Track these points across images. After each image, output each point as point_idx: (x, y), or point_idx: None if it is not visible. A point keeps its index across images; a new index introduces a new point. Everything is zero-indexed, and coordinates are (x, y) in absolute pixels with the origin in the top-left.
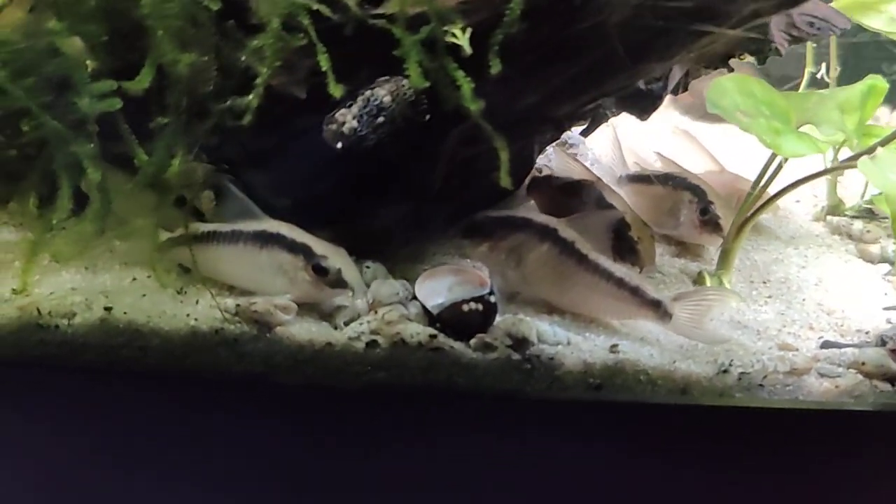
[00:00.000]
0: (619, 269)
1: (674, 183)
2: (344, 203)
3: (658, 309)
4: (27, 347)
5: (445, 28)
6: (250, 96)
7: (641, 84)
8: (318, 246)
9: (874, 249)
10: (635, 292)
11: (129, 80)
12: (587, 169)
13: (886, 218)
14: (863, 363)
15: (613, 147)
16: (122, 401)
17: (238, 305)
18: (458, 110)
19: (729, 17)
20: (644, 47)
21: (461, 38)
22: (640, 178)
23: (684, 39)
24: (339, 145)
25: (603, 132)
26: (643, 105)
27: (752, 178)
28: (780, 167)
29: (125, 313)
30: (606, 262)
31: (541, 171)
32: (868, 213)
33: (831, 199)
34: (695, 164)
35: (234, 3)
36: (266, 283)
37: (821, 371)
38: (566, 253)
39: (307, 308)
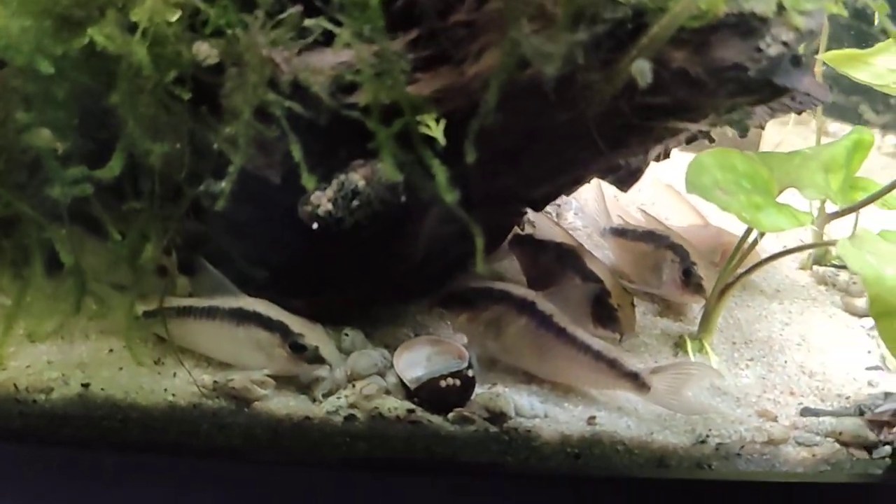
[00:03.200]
0: (597, 342)
1: (657, 241)
2: (322, 275)
3: (636, 380)
4: (8, 420)
5: (418, 119)
6: (223, 183)
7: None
8: (295, 324)
9: (859, 303)
10: (613, 364)
11: (98, 159)
12: (568, 234)
13: None
14: (840, 433)
15: (597, 199)
16: (101, 472)
17: (216, 382)
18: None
19: (706, 111)
20: (622, 137)
21: (435, 129)
22: (624, 233)
23: (662, 131)
24: (315, 225)
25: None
26: (622, 177)
27: (736, 230)
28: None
29: (102, 389)
30: (584, 336)
31: (523, 228)
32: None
33: (818, 248)
34: (678, 218)
35: (205, 88)
36: (243, 358)
37: (798, 440)
38: (545, 326)
39: (285, 379)
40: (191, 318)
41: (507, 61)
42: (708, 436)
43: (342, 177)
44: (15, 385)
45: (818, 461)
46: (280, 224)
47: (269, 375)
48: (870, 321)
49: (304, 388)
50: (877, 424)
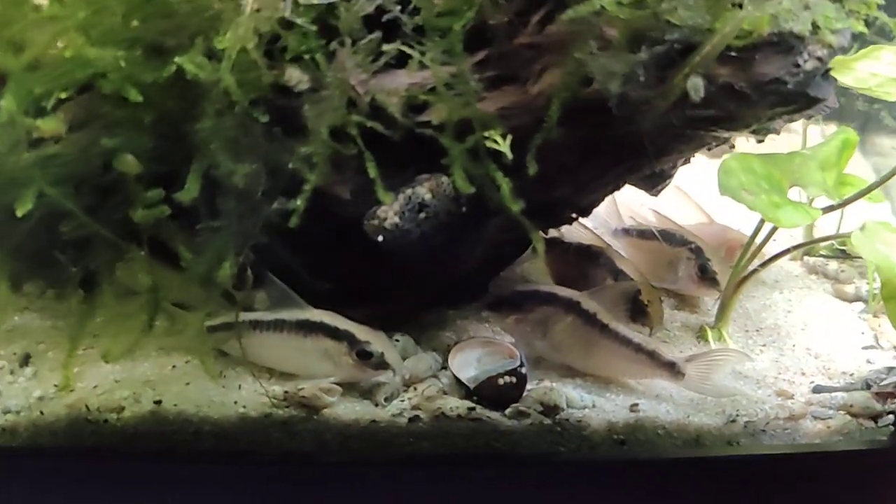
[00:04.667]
0: (637, 336)
1: (672, 240)
2: (382, 285)
3: (673, 369)
4: (80, 439)
5: (486, 135)
6: (297, 201)
7: None
8: (360, 332)
9: (849, 289)
10: (652, 356)
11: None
12: (596, 235)
13: (858, 258)
14: (851, 406)
15: (609, 200)
16: (178, 484)
17: (286, 392)
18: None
19: (748, 120)
20: (666, 146)
21: (502, 144)
22: (638, 233)
23: (702, 139)
24: (381, 238)
25: None
26: (653, 182)
27: (738, 227)
28: (773, 230)
29: (175, 405)
30: (626, 330)
31: (546, 233)
32: (841, 254)
33: (807, 239)
34: (685, 217)
35: (281, 110)
36: (311, 368)
37: (814, 414)
38: (590, 324)
39: (347, 386)
40: (258, 331)
41: (569, 80)
42: (737, 416)
43: (409, 190)
44: (87, 406)
45: (832, 432)
46: (344, 237)
47: (335, 383)
48: (859, 305)
49: (367, 393)
50: (882, 396)
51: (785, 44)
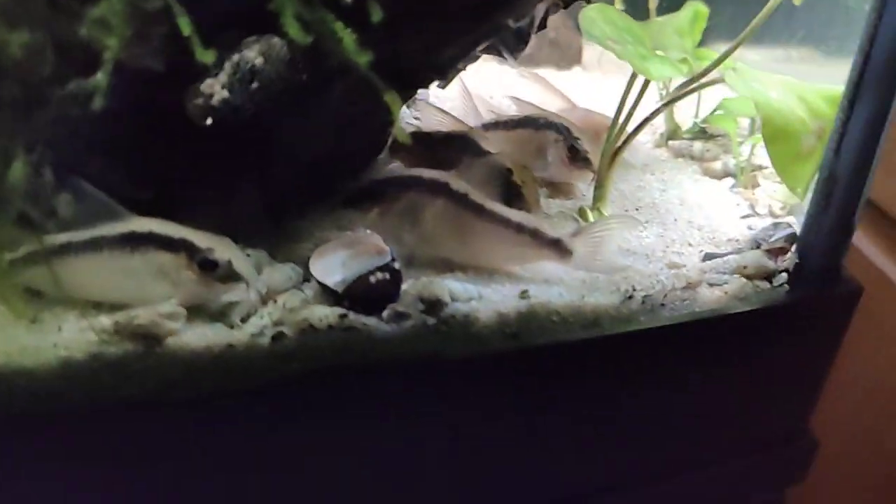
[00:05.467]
0: (517, 214)
1: (536, 124)
2: (219, 187)
3: (559, 247)
4: None
5: None
6: (98, 75)
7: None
8: (200, 239)
9: (717, 166)
10: (535, 234)
11: None
12: (457, 120)
13: (721, 136)
14: (745, 267)
15: (464, 97)
16: None
17: (117, 323)
18: (340, 66)
19: None
20: None
21: None
22: (500, 125)
23: None
24: (209, 121)
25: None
26: (511, 45)
27: (600, 112)
28: (638, 98)
29: None
30: (503, 209)
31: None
32: (704, 134)
33: (669, 124)
34: (546, 104)
35: None
36: (144, 291)
37: (710, 281)
38: (463, 205)
39: (193, 310)
40: (72, 255)
41: None
42: (633, 291)
43: (236, 56)
44: None
45: (730, 297)
46: (163, 127)
47: (179, 306)
48: (729, 181)
49: (218, 315)
50: (773, 253)
51: None
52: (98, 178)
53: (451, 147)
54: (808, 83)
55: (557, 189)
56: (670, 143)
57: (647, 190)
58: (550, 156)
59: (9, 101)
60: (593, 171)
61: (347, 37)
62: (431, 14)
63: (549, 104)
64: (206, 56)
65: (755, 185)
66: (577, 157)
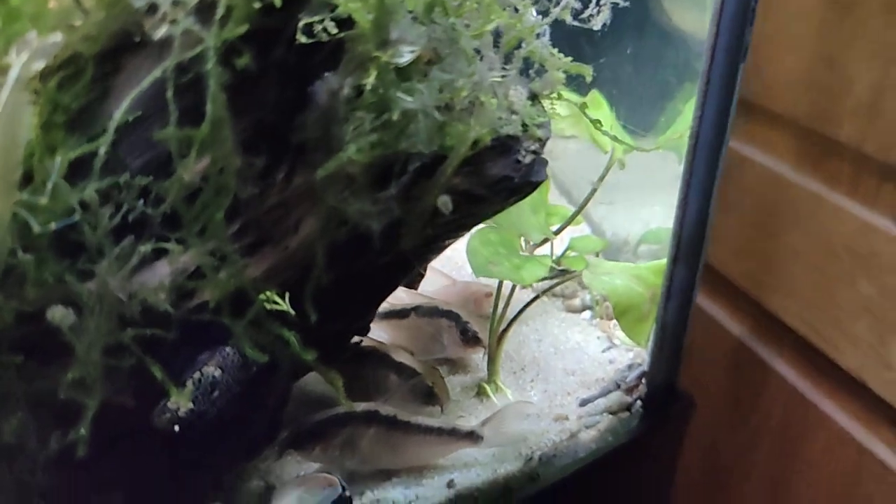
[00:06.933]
0: (435, 422)
1: (429, 314)
2: (182, 476)
3: (473, 437)
4: None
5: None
6: (81, 430)
7: None
8: None
9: (576, 302)
10: (453, 432)
11: None
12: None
13: (574, 271)
14: (609, 406)
15: None
16: None
17: None
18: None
19: (487, 214)
20: (427, 254)
21: (283, 303)
22: (394, 314)
23: (454, 234)
24: (177, 428)
25: None
26: (410, 279)
27: (477, 282)
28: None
29: None
30: (425, 421)
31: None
32: (562, 273)
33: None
34: (430, 283)
35: (28, 339)
36: None
37: (587, 424)
38: (393, 426)
39: None
40: None
41: (327, 226)
42: (532, 453)
43: (197, 374)
44: None
45: (603, 433)
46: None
47: None
48: (587, 314)
49: None
50: (629, 391)
51: (505, 146)
52: None
53: (368, 365)
54: (642, 264)
55: (456, 364)
56: (533, 284)
57: (527, 345)
58: (446, 340)
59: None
60: (484, 347)
61: (293, 340)
62: (356, 299)
63: (432, 281)
64: (183, 398)
65: (609, 317)
66: (468, 338)
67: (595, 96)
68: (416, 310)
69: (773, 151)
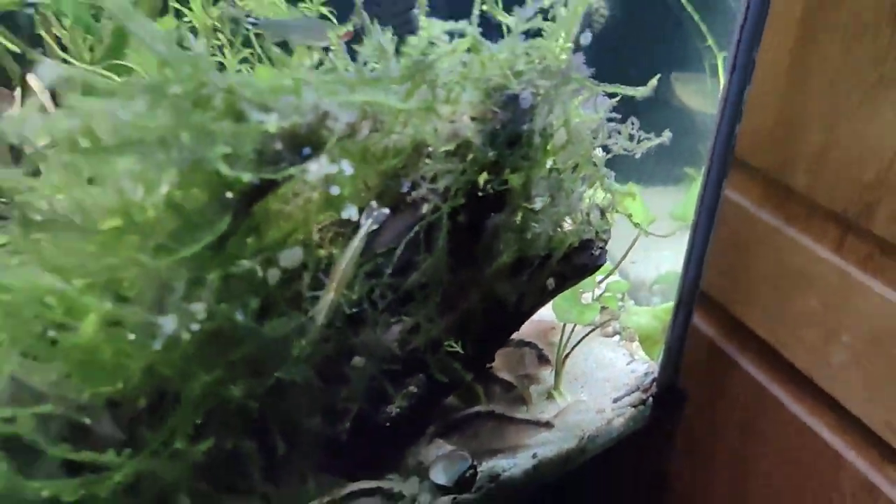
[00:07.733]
0: (525, 416)
1: (517, 344)
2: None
3: (548, 425)
4: None
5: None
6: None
7: None
8: None
9: (610, 330)
10: (536, 423)
11: None
12: None
13: (614, 311)
14: (632, 401)
15: None
16: None
17: None
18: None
19: (567, 288)
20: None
21: (456, 346)
22: None
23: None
24: (388, 423)
25: None
26: None
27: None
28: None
29: None
30: (519, 415)
31: None
32: (602, 309)
33: None
34: None
35: None
36: None
37: (618, 414)
38: (501, 421)
39: None
40: None
41: (483, 297)
42: (583, 435)
43: (404, 391)
44: None
45: (627, 420)
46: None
47: None
48: (617, 338)
49: None
50: (645, 391)
51: (585, 245)
52: None
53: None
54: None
55: (533, 378)
56: None
57: (578, 363)
58: (527, 361)
59: None
60: (552, 365)
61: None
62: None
63: None
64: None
65: (632, 339)
66: (542, 360)
67: (631, 188)
68: (510, 342)
69: (746, 194)
